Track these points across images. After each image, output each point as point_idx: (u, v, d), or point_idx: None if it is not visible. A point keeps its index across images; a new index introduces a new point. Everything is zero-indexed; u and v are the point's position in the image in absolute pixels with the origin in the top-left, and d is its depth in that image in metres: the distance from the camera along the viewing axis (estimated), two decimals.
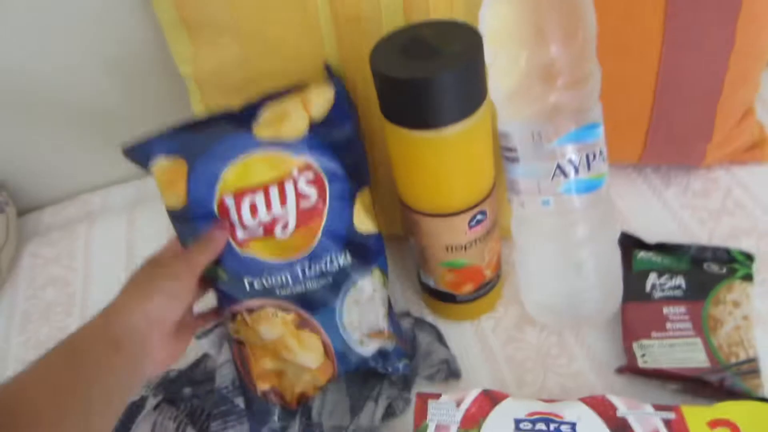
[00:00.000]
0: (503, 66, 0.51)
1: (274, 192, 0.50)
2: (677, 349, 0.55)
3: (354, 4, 0.55)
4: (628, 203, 0.71)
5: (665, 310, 0.58)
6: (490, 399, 0.50)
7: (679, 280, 0.60)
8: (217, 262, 0.52)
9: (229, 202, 0.50)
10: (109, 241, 0.79)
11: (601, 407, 0.49)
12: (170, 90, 0.77)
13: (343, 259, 0.53)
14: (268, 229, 0.51)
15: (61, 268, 0.78)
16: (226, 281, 0.53)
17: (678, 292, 0.59)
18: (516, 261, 0.60)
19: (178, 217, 0.51)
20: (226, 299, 0.54)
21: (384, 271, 0.56)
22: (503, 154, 0.55)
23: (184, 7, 0.58)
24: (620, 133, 0.65)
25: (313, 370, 0.55)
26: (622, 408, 0.49)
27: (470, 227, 0.54)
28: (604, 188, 0.55)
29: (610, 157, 0.56)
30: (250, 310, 0.53)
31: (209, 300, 0.55)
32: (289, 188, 0.51)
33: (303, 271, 0.52)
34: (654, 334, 0.56)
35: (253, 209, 0.50)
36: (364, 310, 0.55)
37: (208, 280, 0.54)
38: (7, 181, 0.84)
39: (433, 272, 0.59)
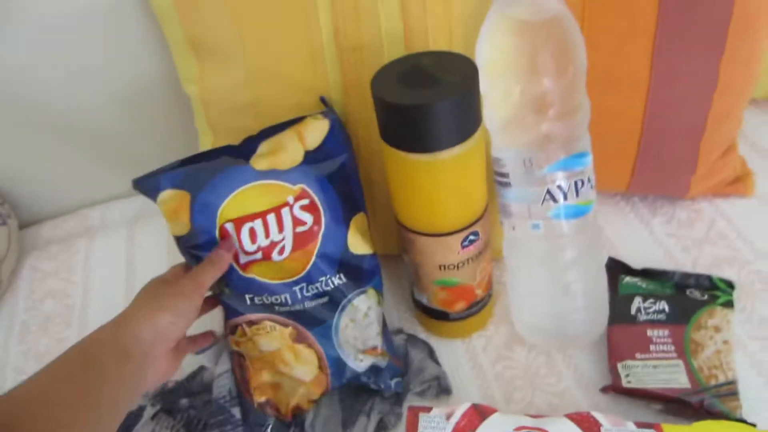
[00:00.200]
0: (498, 97, 0.53)
1: (271, 219, 0.53)
2: (660, 371, 0.57)
3: (356, 35, 0.57)
4: (616, 230, 0.73)
5: (649, 332, 0.60)
6: (479, 413, 0.52)
7: (663, 305, 0.61)
8: (222, 278, 0.54)
9: (230, 229, 0.52)
10: (109, 254, 0.80)
11: (586, 423, 0.50)
12: (172, 109, 0.79)
13: (338, 280, 0.55)
14: (267, 254, 0.53)
15: (60, 281, 0.78)
16: (229, 295, 0.55)
17: (661, 316, 0.61)
18: (506, 282, 0.62)
19: (183, 243, 0.54)
20: (229, 311, 0.56)
21: (378, 291, 0.58)
22: (496, 179, 0.57)
23: (192, 29, 0.60)
24: (609, 162, 0.67)
25: (307, 383, 0.56)
26: (606, 424, 0.50)
27: (463, 247, 0.56)
28: (592, 214, 0.57)
29: (600, 185, 0.59)
30: (250, 323, 0.55)
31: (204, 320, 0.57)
32: (286, 214, 0.53)
33: (301, 291, 0.54)
34: (638, 355, 0.58)
35: (252, 235, 0.53)
36: (359, 327, 0.57)
37: (211, 301, 0.56)
38: (8, 194, 0.84)
39: (427, 290, 0.60)
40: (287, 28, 0.58)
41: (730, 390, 0.55)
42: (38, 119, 0.78)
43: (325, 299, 0.55)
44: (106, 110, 0.79)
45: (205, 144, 0.67)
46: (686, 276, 0.64)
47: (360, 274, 0.56)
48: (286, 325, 0.55)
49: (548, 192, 0.54)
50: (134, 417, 0.58)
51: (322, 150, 0.54)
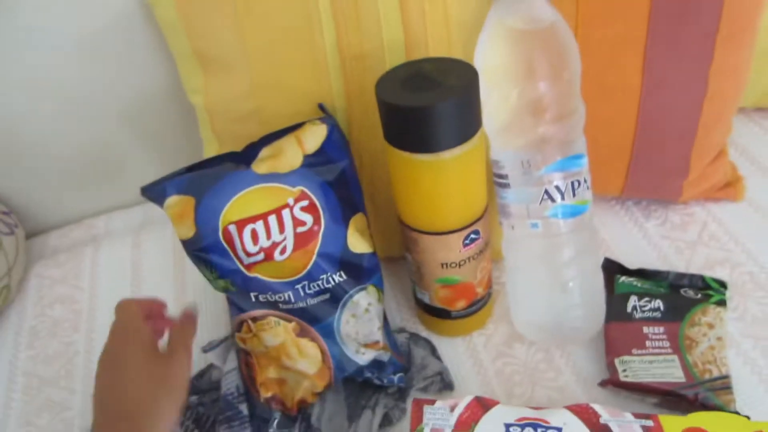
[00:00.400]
0: (496, 101, 0.55)
1: (272, 220, 0.54)
2: (656, 365, 0.58)
3: (359, 45, 0.59)
4: (612, 233, 0.75)
5: (645, 329, 0.61)
6: (482, 405, 0.53)
7: (658, 303, 0.63)
8: (225, 277, 0.55)
9: (233, 230, 0.54)
10: (115, 261, 0.81)
11: (585, 414, 0.52)
12: (177, 120, 0.80)
13: (339, 277, 0.57)
14: (269, 254, 0.55)
15: (67, 287, 0.79)
16: (234, 292, 0.57)
17: (657, 314, 0.62)
18: (506, 281, 0.64)
19: (190, 246, 0.55)
20: (235, 308, 0.58)
21: (379, 288, 0.60)
22: (495, 180, 0.59)
23: (197, 41, 0.61)
24: (604, 167, 0.69)
25: (311, 376, 0.57)
26: (605, 415, 0.52)
27: (464, 245, 0.58)
28: (588, 214, 0.59)
29: (595, 189, 0.60)
30: (255, 319, 0.57)
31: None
32: (286, 215, 0.55)
33: (303, 289, 0.56)
34: (634, 351, 0.60)
35: (254, 236, 0.54)
36: (360, 322, 0.58)
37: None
38: (15, 205, 0.85)
39: (428, 288, 0.62)
40: (291, 40, 0.59)
41: (723, 384, 0.56)
42: (45, 132, 0.80)
43: (326, 296, 0.57)
44: (113, 121, 0.81)
45: (211, 153, 0.68)
46: (680, 276, 0.66)
47: (360, 271, 0.58)
48: (289, 320, 0.57)
49: (546, 192, 0.56)
50: None
51: (320, 154, 0.56)
